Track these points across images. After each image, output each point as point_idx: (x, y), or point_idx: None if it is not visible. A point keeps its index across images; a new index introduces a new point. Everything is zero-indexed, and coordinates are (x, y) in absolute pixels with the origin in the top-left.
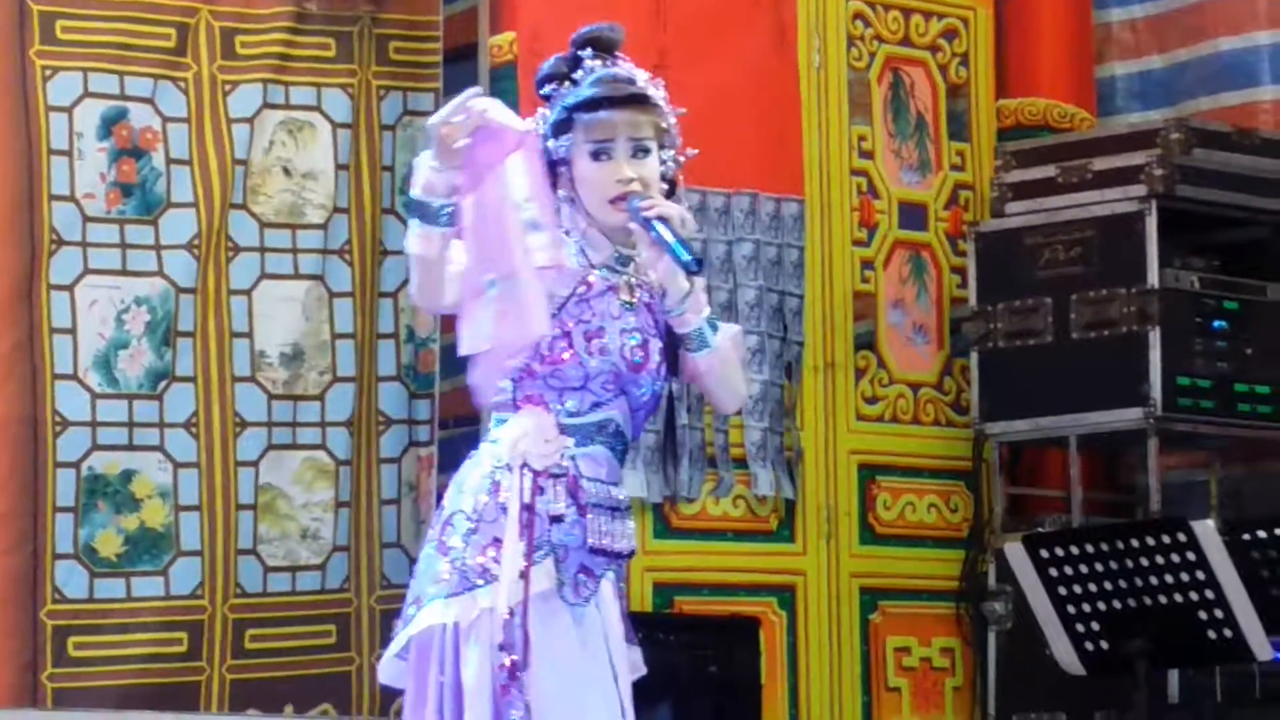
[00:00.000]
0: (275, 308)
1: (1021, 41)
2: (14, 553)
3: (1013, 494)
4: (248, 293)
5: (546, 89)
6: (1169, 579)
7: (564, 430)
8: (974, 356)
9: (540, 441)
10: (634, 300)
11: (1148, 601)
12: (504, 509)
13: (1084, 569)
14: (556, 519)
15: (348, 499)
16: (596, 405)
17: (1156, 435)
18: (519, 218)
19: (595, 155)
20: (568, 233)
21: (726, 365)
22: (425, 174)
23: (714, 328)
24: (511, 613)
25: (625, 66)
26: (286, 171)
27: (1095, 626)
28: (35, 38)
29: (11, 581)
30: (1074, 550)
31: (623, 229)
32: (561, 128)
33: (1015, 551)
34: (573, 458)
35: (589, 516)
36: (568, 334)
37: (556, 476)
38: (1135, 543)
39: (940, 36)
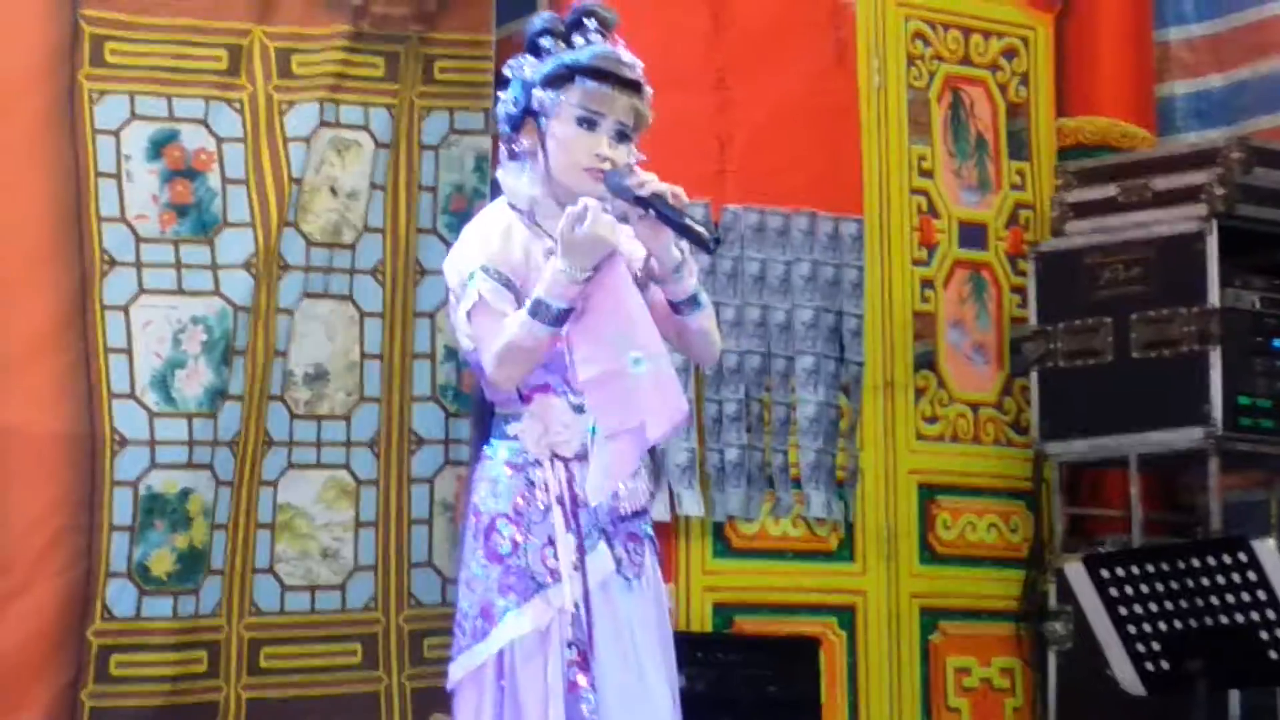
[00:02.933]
0: (310, 326)
1: (1081, 60)
2: (67, 571)
3: (1073, 514)
4: (290, 311)
5: (546, 40)
6: (1230, 599)
7: (578, 410)
8: (1034, 376)
9: (561, 429)
10: None
11: (1208, 621)
12: (546, 507)
13: (1145, 589)
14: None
15: (370, 519)
16: None
17: (1217, 455)
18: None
19: (583, 122)
20: (512, 206)
21: (711, 317)
22: (557, 279)
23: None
24: (577, 607)
25: (626, 50)
26: (333, 190)
27: (1156, 646)
28: (85, 60)
29: (63, 600)
30: (1134, 570)
31: (577, 195)
32: (555, 83)
33: (1075, 571)
34: (594, 433)
35: (619, 486)
36: None
37: (584, 458)
38: (1196, 562)
39: (1000, 56)
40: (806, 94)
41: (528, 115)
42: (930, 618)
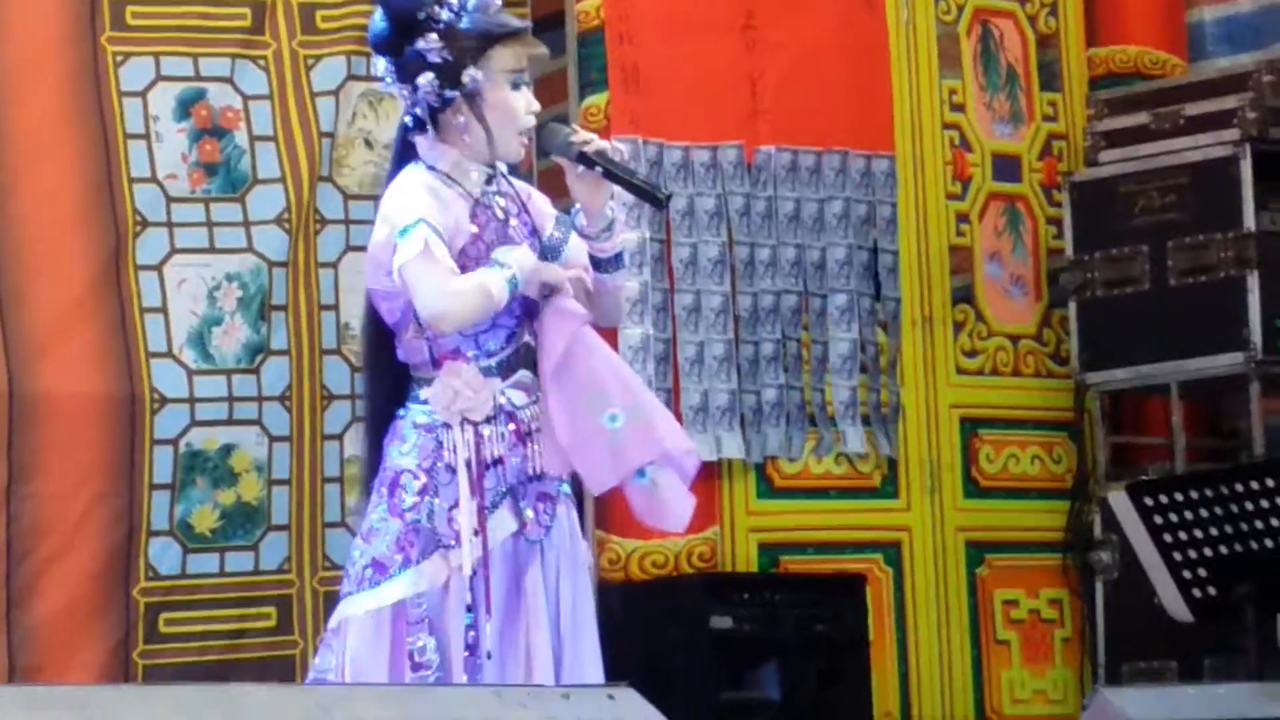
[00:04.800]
0: (359, 280)
1: None
2: (110, 532)
3: (1115, 443)
4: (334, 265)
5: (442, 13)
6: (1274, 523)
7: (488, 373)
8: (1072, 306)
9: (470, 394)
10: (505, 215)
11: (1254, 546)
12: (453, 469)
13: (1189, 515)
14: (498, 462)
15: None
16: (511, 336)
17: (1258, 379)
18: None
19: (514, 85)
20: (433, 168)
21: (625, 278)
22: (543, 276)
23: None
24: (475, 572)
25: None
26: (368, 143)
27: (1202, 573)
28: (106, 24)
29: (106, 560)
30: (1178, 497)
31: (505, 158)
32: (475, 55)
33: (1120, 500)
34: (504, 393)
35: (529, 445)
36: None
37: (493, 420)
38: (1239, 487)
39: None
40: (836, 32)
41: (452, 95)
42: (976, 551)
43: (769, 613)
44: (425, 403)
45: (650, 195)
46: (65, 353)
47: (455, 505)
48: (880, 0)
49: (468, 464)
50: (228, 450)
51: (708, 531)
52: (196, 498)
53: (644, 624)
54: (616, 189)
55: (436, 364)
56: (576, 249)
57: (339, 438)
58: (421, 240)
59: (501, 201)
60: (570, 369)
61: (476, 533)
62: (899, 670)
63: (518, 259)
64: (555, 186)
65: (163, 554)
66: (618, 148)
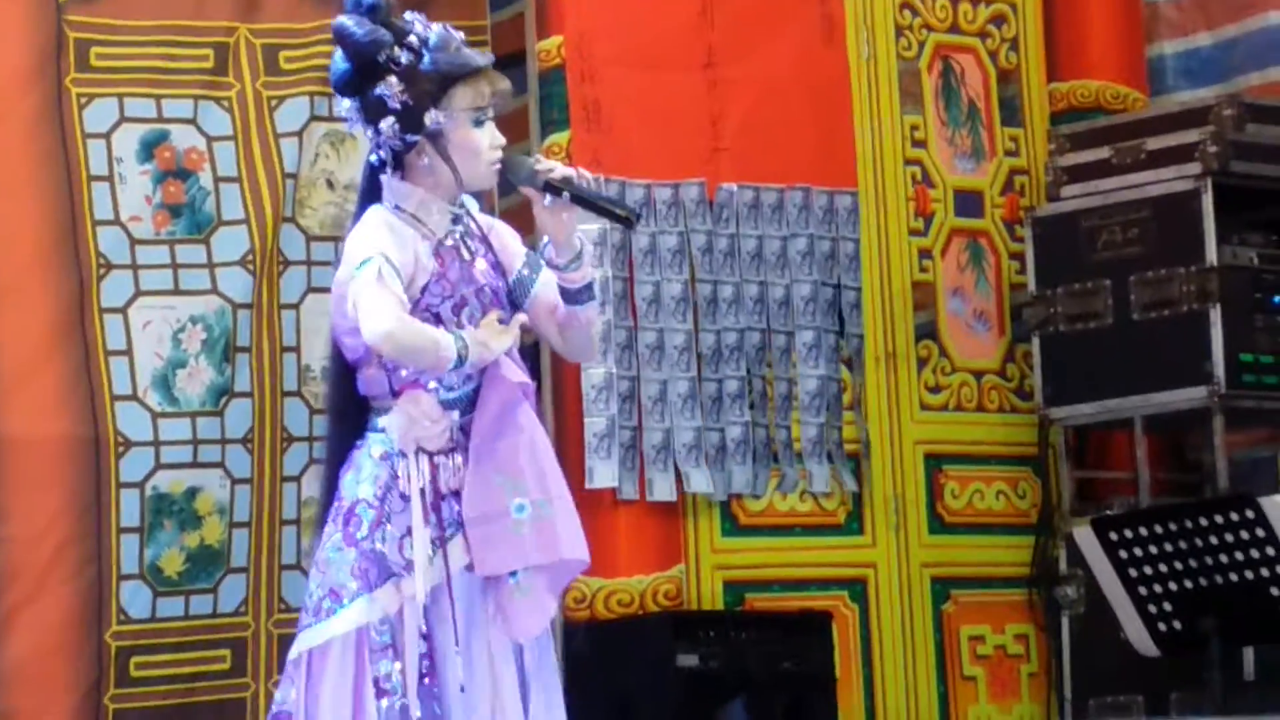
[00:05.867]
0: (320, 321)
1: (1071, 24)
2: (79, 576)
3: (1080, 478)
4: (296, 307)
5: (402, 55)
6: (1239, 556)
7: (446, 406)
8: (1036, 341)
9: (427, 424)
10: (471, 254)
11: (1219, 579)
12: (407, 498)
13: (1154, 550)
14: (455, 494)
15: None
16: (469, 377)
17: (1221, 413)
18: (550, 452)
19: (477, 123)
20: (398, 207)
21: (598, 311)
22: (490, 347)
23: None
24: (429, 600)
25: (450, 28)
26: (330, 184)
27: (1167, 607)
28: (71, 65)
29: (78, 604)
30: (1143, 531)
31: (470, 190)
32: (437, 98)
33: (1085, 535)
34: (461, 428)
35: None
36: (436, 315)
37: (450, 452)
38: (1204, 521)
39: (989, 22)
40: (797, 69)
41: (413, 137)
42: (942, 587)
43: (735, 650)
44: (383, 431)
45: (618, 216)
46: (30, 395)
47: (407, 534)
48: (841, 37)
49: (422, 493)
50: (193, 493)
51: (673, 569)
52: (165, 541)
53: (610, 663)
54: (585, 217)
55: (396, 395)
56: (546, 284)
57: (297, 479)
58: (375, 270)
59: (468, 242)
60: (493, 442)
61: (432, 560)
62: (865, 707)
63: (472, 334)
64: (520, 224)
65: (133, 597)
66: (582, 173)
